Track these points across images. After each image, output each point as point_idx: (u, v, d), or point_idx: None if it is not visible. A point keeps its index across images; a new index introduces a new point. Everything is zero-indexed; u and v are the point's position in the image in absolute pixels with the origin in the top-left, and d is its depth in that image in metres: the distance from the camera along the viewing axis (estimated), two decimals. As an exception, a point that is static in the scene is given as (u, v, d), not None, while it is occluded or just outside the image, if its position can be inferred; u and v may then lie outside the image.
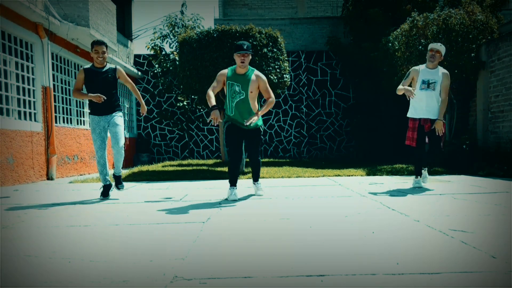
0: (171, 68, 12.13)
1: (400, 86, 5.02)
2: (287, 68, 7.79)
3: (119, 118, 4.66)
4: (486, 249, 2.23)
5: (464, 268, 1.94)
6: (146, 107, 4.88)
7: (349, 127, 13.07)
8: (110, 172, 5.10)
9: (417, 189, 4.99)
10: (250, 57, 4.23)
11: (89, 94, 4.49)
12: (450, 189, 4.97)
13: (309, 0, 16.16)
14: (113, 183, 4.86)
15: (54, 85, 8.22)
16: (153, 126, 13.41)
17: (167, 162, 11.81)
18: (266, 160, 12.10)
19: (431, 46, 4.98)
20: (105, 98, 4.46)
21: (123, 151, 4.67)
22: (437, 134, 4.85)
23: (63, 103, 8.63)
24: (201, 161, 11.95)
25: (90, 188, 5.80)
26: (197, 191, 5.20)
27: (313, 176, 7.05)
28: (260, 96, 4.55)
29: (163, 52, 12.45)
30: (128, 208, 3.95)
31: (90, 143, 9.56)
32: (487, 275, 1.83)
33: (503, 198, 4.14)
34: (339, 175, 7.09)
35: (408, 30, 8.55)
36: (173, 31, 12.25)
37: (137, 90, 4.92)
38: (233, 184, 4.42)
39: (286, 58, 7.85)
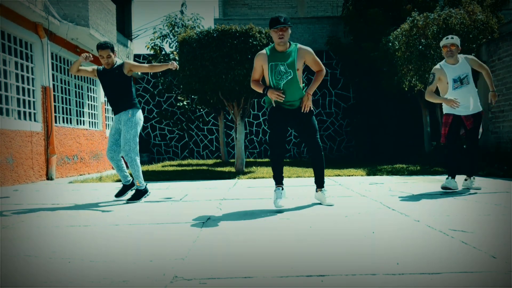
0: (171, 68, 12.12)
1: (432, 94, 4.53)
2: (287, 68, 7.78)
3: (128, 119, 4.33)
4: (486, 249, 2.23)
5: (464, 268, 1.93)
6: (174, 63, 4.35)
7: (349, 127, 13.07)
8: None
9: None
10: (290, 31, 3.61)
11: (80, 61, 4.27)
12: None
13: (309, 0, 16.16)
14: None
15: (53, 85, 8.22)
16: (153, 126, 13.41)
17: (167, 162, 11.81)
18: (266, 160, 12.10)
19: (443, 43, 4.50)
20: (90, 56, 4.25)
21: (129, 159, 4.31)
22: (490, 102, 4.46)
23: (63, 103, 8.63)
24: (201, 161, 11.95)
25: (90, 188, 5.80)
26: (197, 191, 5.20)
27: (313, 176, 7.03)
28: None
29: (163, 52, 12.45)
30: (128, 208, 3.94)
31: (90, 143, 9.57)
32: (487, 275, 1.83)
33: (503, 198, 4.14)
34: (339, 175, 7.09)
35: (408, 30, 8.55)
36: (173, 31, 12.25)
37: (155, 65, 4.51)
38: (279, 182, 3.82)
39: (286, 58, 7.84)
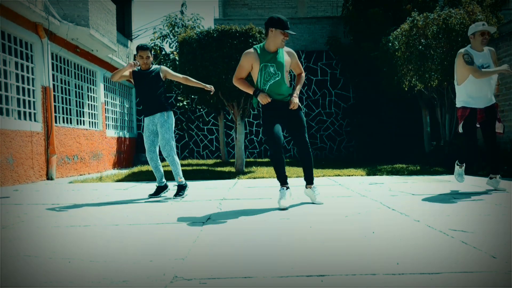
0: (171, 68, 12.14)
1: (483, 72, 4.21)
2: (287, 68, 7.79)
3: (165, 121, 4.52)
4: (486, 249, 2.23)
5: (464, 268, 1.93)
6: (208, 86, 4.65)
7: (349, 127, 13.07)
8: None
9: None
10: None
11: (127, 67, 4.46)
12: (450, 189, 4.97)
13: (309, 0, 16.16)
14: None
15: (54, 85, 8.22)
16: (153, 126, 13.40)
17: (167, 162, 11.79)
18: (266, 160, 12.10)
19: (479, 28, 4.28)
20: (137, 65, 4.47)
21: (171, 159, 4.55)
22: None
23: (63, 103, 8.63)
24: (201, 161, 11.95)
25: (90, 188, 5.80)
26: (197, 191, 5.19)
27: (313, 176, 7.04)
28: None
29: (163, 52, 12.46)
30: (128, 208, 3.94)
31: (90, 143, 9.57)
32: (487, 275, 1.83)
33: (503, 198, 4.14)
34: (339, 175, 7.09)
35: (408, 30, 8.55)
36: (173, 31, 12.26)
37: (191, 79, 4.72)
38: (283, 182, 3.86)
39: (286, 58, 7.84)
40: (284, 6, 16.16)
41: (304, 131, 3.90)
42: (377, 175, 7.09)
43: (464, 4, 8.69)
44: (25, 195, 5.20)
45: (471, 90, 4.37)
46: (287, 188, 3.85)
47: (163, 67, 4.66)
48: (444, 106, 8.98)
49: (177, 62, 10.16)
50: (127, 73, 4.60)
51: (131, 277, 1.89)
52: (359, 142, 12.55)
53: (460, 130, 4.56)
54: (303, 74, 4.07)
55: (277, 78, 3.75)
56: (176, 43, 11.86)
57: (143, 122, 4.65)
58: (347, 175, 7.06)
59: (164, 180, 4.77)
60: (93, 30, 8.43)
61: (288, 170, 8.12)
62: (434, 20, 8.28)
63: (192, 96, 11.81)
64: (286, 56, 3.85)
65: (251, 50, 3.80)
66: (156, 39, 12.40)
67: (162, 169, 4.78)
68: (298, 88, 3.92)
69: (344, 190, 5.06)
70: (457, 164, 4.85)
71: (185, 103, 12.52)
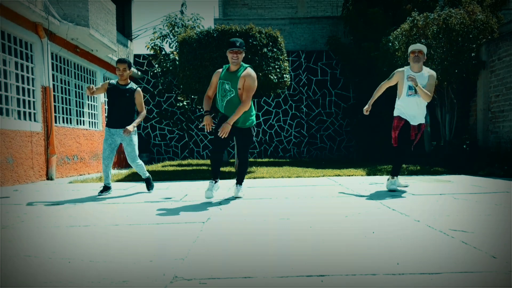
0: (171, 68, 12.12)
1: (378, 90, 5.05)
2: (287, 68, 7.79)
3: (133, 137, 4.87)
4: (486, 249, 2.23)
5: (464, 268, 1.94)
6: (132, 128, 4.71)
7: (349, 127, 13.08)
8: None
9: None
10: (243, 54, 4.10)
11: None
12: (450, 189, 4.97)
13: (309, 0, 16.16)
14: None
15: (53, 85, 8.22)
16: (153, 126, 13.41)
17: (167, 162, 11.80)
18: (266, 160, 12.10)
19: (412, 48, 4.68)
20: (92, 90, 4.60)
21: (139, 166, 5.02)
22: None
23: (62, 103, 8.63)
24: (201, 161, 11.95)
25: (90, 188, 5.80)
26: (197, 191, 5.19)
27: (313, 176, 7.05)
28: (256, 95, 4.50)
29: (163, 52, 12.45)
30: (128, 208, 3.94)
31: (90, 143, 9.57)
32: (487, 275, 1.83)
33: (503, 198, 4.14)
34: (339, 175, 7.09)
35: (408, 29, 8.56)
36: (173, 31, 12.24)
37: (143, 116, 4.91)
38: (215, 177, 4.36)
39: (286, 58, 7.84)
40: (284, 6, 16.16)
41: (246, 151, 4.43)
42: (377, 175, 7.08)
43: (464, 4, 8.69)
44: (25, 195, 5.20)
45: (403, 105, 4.78)
46: (216, 182, 4.35)
47: (139, 90, 4.87)
48: (444, 106, 8.98)
49: (177, 62, 10.15)
50: (101, 86, 4.82)
51: (131, 277, 1.89)
52: (359, 142, 12.55)
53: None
54: (245, 104, 4.08)
55: (231, 95, 4.11)
56: (176, 43, 11.84)
57: (105, 131, 4.88)
58: (347, 175, 7.06)
59: (109, 181, 5.00)
60: (93, 30, 8.43)
61: (288, 170, 8.12)
62: (434, 20, 8.28)
63: (192, 96, 11.82)
64: (242, 75, 4.10)
65: (219, 69, 4.23)
66: (156, 39, 12.38)
67: (111, 174, 5.02)
68: (233, 116, 4.07)
69: (344, 190, 5.06)
70: (392, 177, 4.88)
71: (185, 103, 12.52)
